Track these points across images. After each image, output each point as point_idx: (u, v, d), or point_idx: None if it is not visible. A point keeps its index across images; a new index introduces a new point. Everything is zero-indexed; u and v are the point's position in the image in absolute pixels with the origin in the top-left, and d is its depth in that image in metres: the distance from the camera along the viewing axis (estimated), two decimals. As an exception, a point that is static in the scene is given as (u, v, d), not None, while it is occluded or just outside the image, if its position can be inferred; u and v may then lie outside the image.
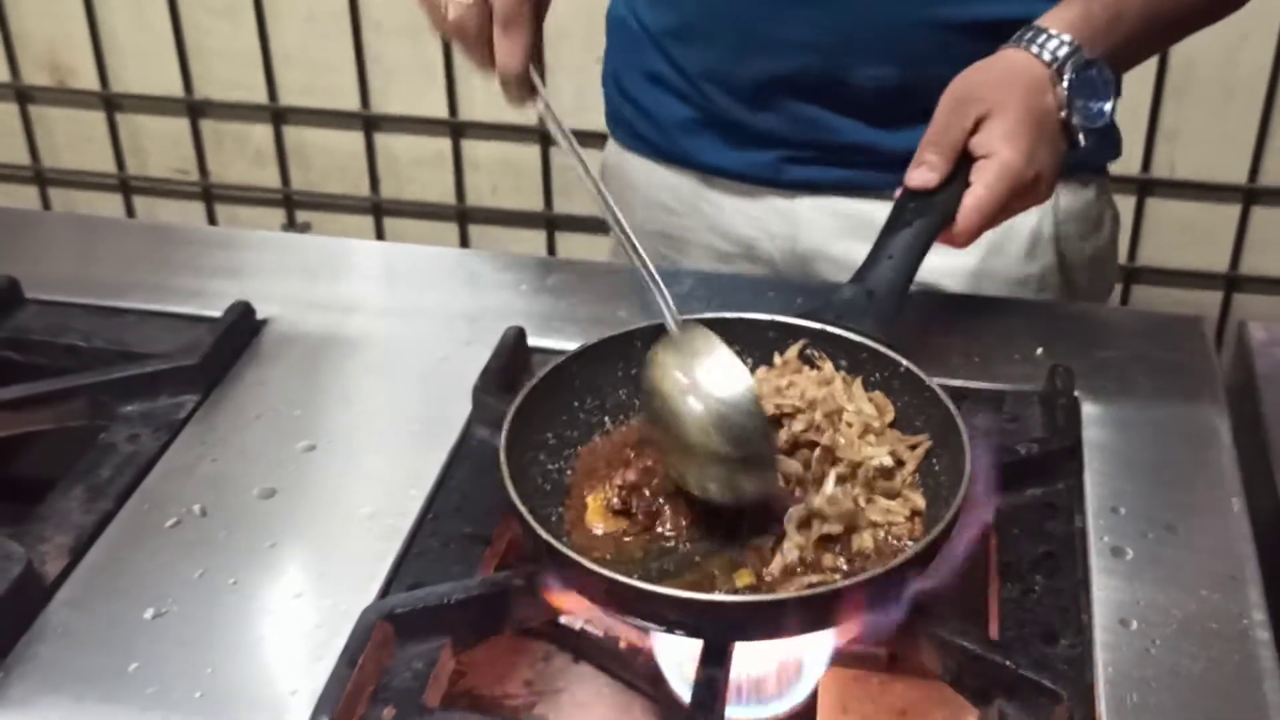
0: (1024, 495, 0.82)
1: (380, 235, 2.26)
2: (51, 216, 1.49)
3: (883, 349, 0.82)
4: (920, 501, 0.76)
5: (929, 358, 0.89)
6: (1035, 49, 0.90)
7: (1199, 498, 0.82)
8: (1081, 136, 0.91)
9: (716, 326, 0.80)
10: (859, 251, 1.09)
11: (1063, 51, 0.90)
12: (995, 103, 0.88)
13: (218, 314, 0.97)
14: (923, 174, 0.88)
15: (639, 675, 0.82)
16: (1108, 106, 0.92)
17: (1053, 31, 0.91)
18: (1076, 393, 0.88)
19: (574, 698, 0.83)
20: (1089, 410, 0.89)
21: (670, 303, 0.79)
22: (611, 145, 1.26)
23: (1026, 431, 0.87)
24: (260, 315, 0.99)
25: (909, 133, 0.96)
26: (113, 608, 0.75)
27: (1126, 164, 1.94)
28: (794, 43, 1.05)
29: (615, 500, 0.76)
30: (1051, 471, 0.83)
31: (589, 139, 2.31)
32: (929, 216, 0.87)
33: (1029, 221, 1.11)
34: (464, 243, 2.24)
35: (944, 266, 1.08)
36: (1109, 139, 1.18)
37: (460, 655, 0.74)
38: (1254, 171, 1.92)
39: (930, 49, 1.02)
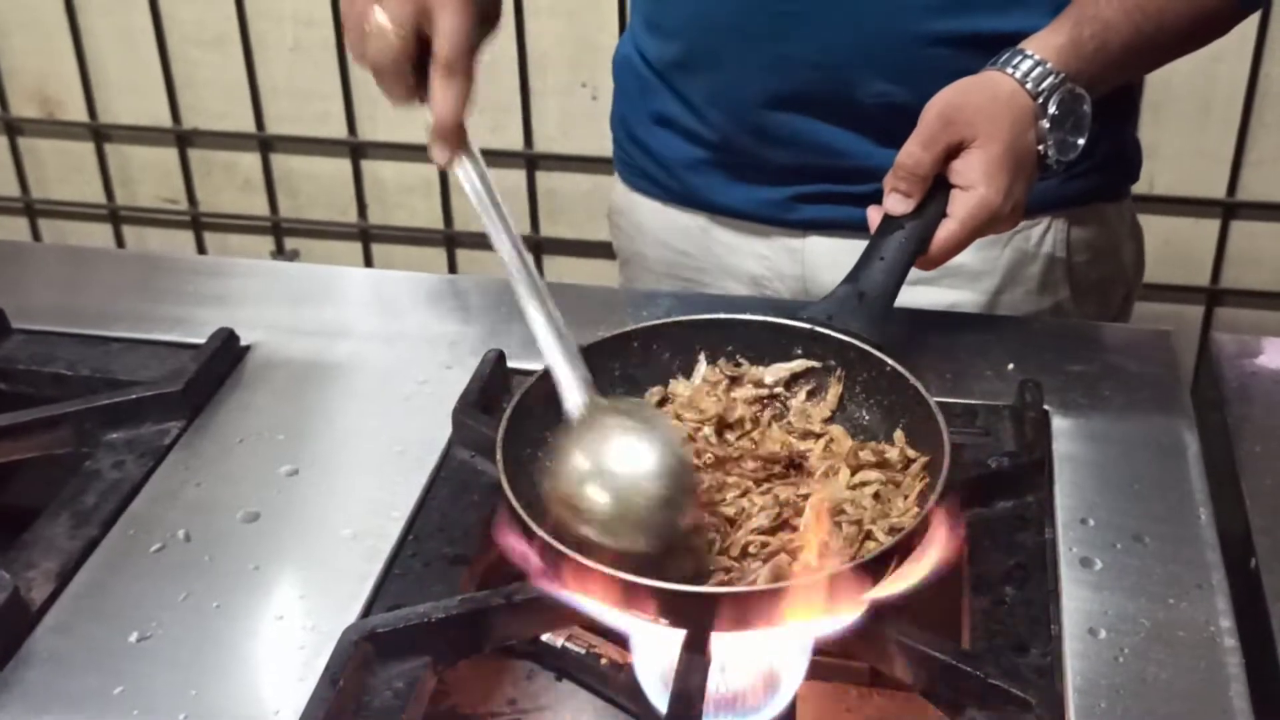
0: (994, 508, 0.83)
1: (369, 261, 2.27)
2: (38, 247, 1.51)
3: (871, 349, 0.83)
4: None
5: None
6: (1020, 76, 0.90)
7: (1167, 508, 0.83)
8: (1054, 165, 0.92)
9: (713, 328, 0.81)
10: None
11: (1048, 82, 0.90)
12: (980, 133, 0.88)
13: (202, 341, 0.98)
14: (897, 203, 0.89)
15: (620, 692, 0.83)
16: (1081, 141, 0.92)
17: (1039, 58, 0.90)
18: (1046, 406, 0.90)
19: (557, 715, 0.84)
20: (1059, 424, 0.90)
21: (583, 377, 0.76)
22: (620, 188, 1.26)
23: (997, 445, 0.89)
24: (244, 341, 1.00)
25: None
26: (98, 632, 0.76)
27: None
28: (797, 61, 1.05)
29: None
30: (1021, 484, 0.84)
31: (574, 163, 2.33)
32: (919, 221, 0.89)
33: (1041, 256, 1.11)
34: (452, 267, 2.25)
35: (957, 301, 1.10)
36: (1127, 165, 1.17)
37: (442, 674, 0.75)
38: (1232, 186, 1.94)
39: (931, 63, 1.02)
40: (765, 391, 0.86)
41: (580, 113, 2.04)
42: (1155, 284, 2.03)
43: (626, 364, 0.86)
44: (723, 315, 0.87)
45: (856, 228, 1.08)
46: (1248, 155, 1.91)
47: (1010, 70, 0.91)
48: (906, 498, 0.77)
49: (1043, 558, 0.80)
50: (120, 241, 2.36)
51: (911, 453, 0.80)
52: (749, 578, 0.72)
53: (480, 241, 2.44)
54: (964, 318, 1.08)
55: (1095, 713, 0.70)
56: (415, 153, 2.14)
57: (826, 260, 1.12)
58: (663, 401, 0.86)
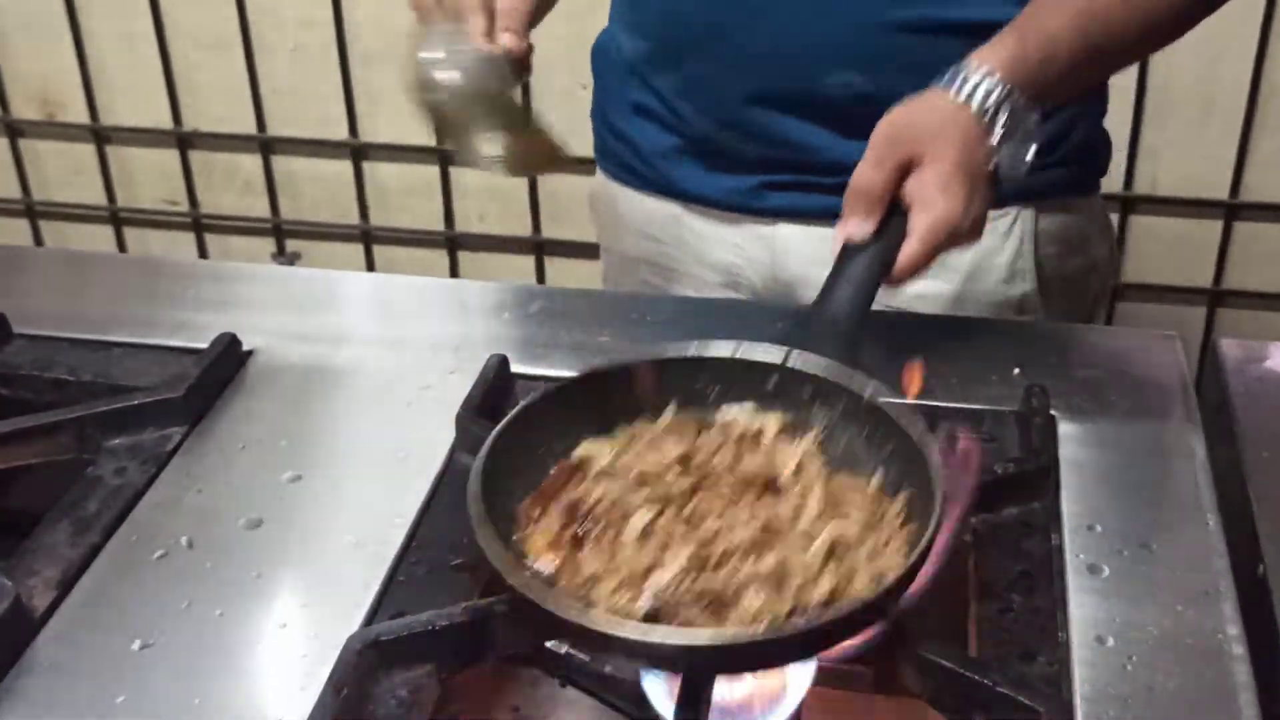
0: (1001, 514, 0.83)
1: (370, 263, 2.27)
2: (39, 252, 1.51)
3: (847, 378, 0.81)
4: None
5: (907, 379, 0.90)
6: (965, 97, 0.89)
7: (1174, 515, 0.83)
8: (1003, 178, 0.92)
9: (685, 366, 0.81)
10: None
11: (994, 97, 0.89)
12: (929, 151, 0.88)
13: (204, 346, 0.97)
14: (856, 226, 0.88)
15: (625, 700, 0.83)
16: (1031, 155, 0.92)
17: (985, 71, 0.90)
18: (1053, 412, 0.89)
19: (561, 723, 0.84)
20: (1065, 429, 0.90)
21: None
22: (599, 176, 1.28)
23: (1004, 451, 0.88)
24: (246, 346, 1.00)
25: None
26: (100, 640, 0.75)
27: (1108, 181, 1.94)
28: (764, 55, 1.07)
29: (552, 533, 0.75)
30: (1028, 490, 0.84)
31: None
32: (881, 243, 0.88)
33: (1009, 247, 1.12)
34: (454, 269, 2.25)
35: (923, 292, 1.09)
36: (1095, 159, 1.19)
37: (446, 682, 0.75)
38: (1235, 186, 1.93)
39: (894, 52, 1.04)
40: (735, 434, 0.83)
41: (581, 115, 2.03)
42: (1157, 285, 2.04)
43: (604, 401, 0.83)
44: (692, 352, 0.84)
45: (826, 215, 1.09)
46: (1251, 156, 1.91)
47: (955, 88, 0.90)
48: (888, 542, 0.74)
49: (1049, 565, 0.79)
50: (121, 243, 2.35)
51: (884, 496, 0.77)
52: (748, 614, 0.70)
53: (482, 243, 2.45)
54: (968, 322, 1.07)
55: (1103, 721, 0.69)
56: (417, 154, 2.15)
57: (796, 248, 1.15)
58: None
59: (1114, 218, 1.98)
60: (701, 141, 1.14)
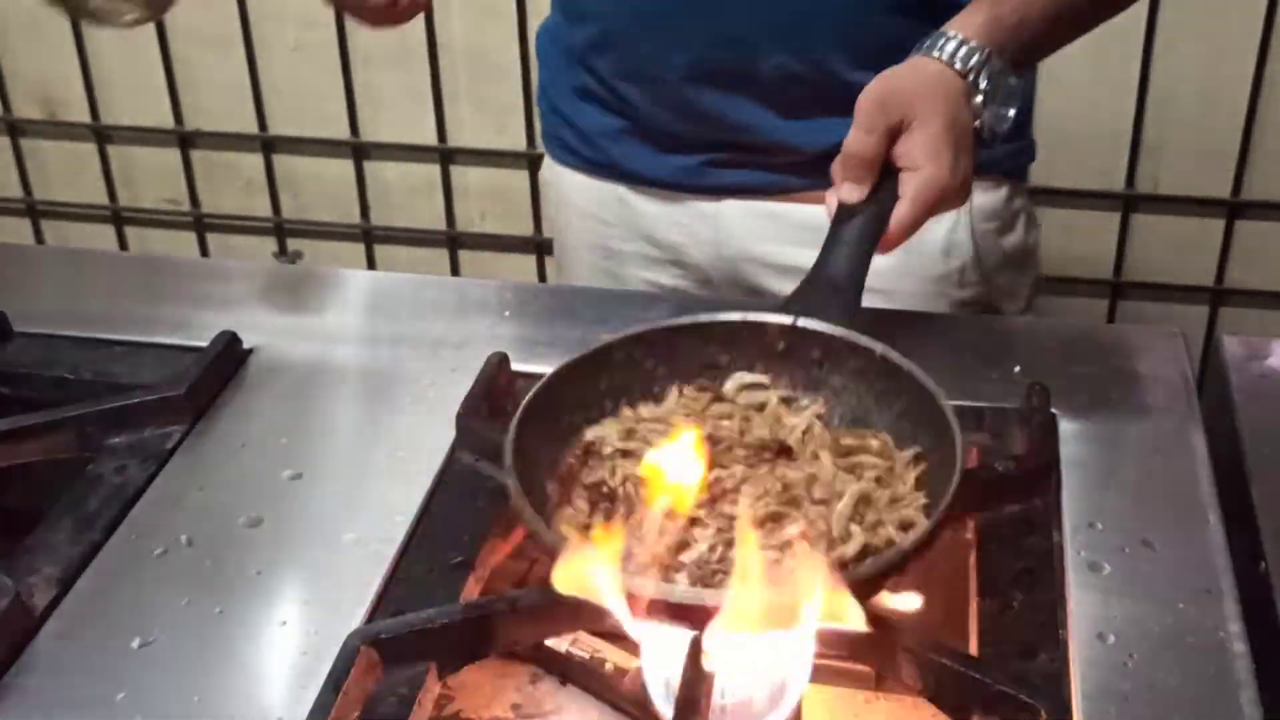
0: (1002, 512, 0.83)
1: (371, 263, 2.27)
2: (40, 250, 1.51)
3: (858, 338, 0.83)
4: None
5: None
6: (947, 57, 0.92)
7: (1175, 512, 0.82)
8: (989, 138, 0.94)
9: (692, 331, 0.83)
10: (784, 254, 1.15)
11: (975, 60, 0.92)
12: (917, 113, 0.90)
13: (205, 344, 0.97)
14: (850, 190, 0.90)
15: (625, 697, 0.83)
16: (1012, 112, 0.95)
17: (963, 38, 0.92)
18: (1054, 409, 0.89)
19: (561, 720, 0.84)
20: (1066, 427, 0.89)
21: None
22: (547, 161, 1.31)
23: (1005, 449, 0.88)
24: (247, 345, 1.00)
25: (820, 127, 1.06)
26: (100, 637, 0.75)
27: (1111, 180, 1.96)
28: (704, 36, 1.09)
29: (583, 515, 0.77)
30: (1029, 488, 0.84)
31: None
32: (874, 206, 0.89)
33: (945, 220, 1.14)
34: (454, 268, 2.25)
35: None
36: (1023, 145, 1.21)
37: (446, 680, 0.75)
38: (1238, 185, 1.93)
39: (828, 34, 1.07)
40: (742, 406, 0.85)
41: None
42: (1159, 284, 2.03)
43: (610, 377, 0.84)
44: (702, 317, 0.86)
45: (768, 192, 1.15)
46: (1253, 154, 1.90)
47: (937, 53, 0.92)
48: (904, 484, 0.77)
49: (1050, 562, 0.79)
50: (123, 243, 2.35)
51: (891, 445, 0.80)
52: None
53: (483, 243, 2.45)
54: (969, 319, 1.07)
55: (1104, 718, 0.69)
56: (418, 153, 2.14)
57: (740, 225, 1.18)
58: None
59: (1116, 216, 1.98)
60: (643, 122, 1.17)
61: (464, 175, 2.17)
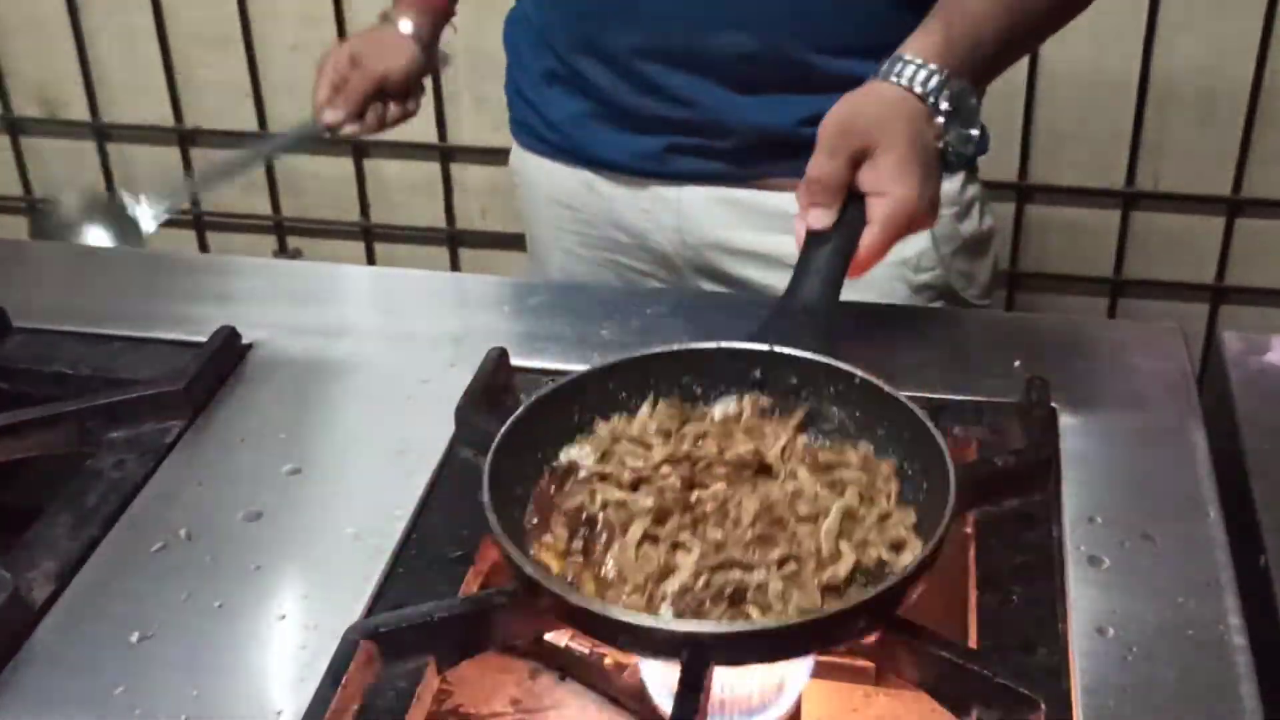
0: (1002, 506, 0.82)
1: (371, 260, 2.27)
2: (39, 246, 1.50)
3: (836, 363, 0.82)
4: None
5: (906, 371, 0.90)
6: (906, 82, 0.91)
7: (1175, 506, 0.82)
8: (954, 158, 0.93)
9: (666, 360, 0.82)
10: (745, 239, 1.17)
11: (933, 82, 0.91)
12: (880, 138, 0.89)
13: (204, 339, 0.97)
14: (817, 216, 0.89)
15: (624, 692, 0.83)
16: (975, 131, 0.93)
17: (919, 61, 0.91)
18: (1054, 404, 0.89)
19: (560, 715, 0.84)
20: (1066, 421, 0.89)
21: None
22: (515, 149, 1.32)
23: (1004, 443, 0.88)
24: (246, 340, 1.00)
25: (779, 103, 1.09)
26: (99, 632, 0.75)
27: (1111, 178, 1.96)
28: (650, 14, 1.11)
29: (562, 542, 0.76)
30: (1029, 482, 0.84)
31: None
32: (843, 231, 0.89)
33: None
34: (455, 266, 2.25)
35: None
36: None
37: (445, 674, 0.75)
38: (1238, 183, 1.93)
39: (781, 13, 1.09)
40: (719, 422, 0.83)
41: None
42: (1160, 281, 2.03)
43: (584, 406, 0.83)
44: (675, 347, 0.85)
45: (728, 179, 1.17)
46: (1253, 152, 1.91)
47: (895, 78, 0.92)
48: (888, 499, 0.76)
49: (1050, 556, 0.79)
50: (123, 241, 2.35)
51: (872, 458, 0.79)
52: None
53: (482, 240, 2.45)
54: (968, 314, 1.07)
55: (1104, 712, 0.69)
56: (418, 151, 2.14)
57: (701, 210, 1.20)
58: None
59: (1116, 215, 1.98)
60: (606, 102, 1.18)
61: (464, 173, 2.17)
